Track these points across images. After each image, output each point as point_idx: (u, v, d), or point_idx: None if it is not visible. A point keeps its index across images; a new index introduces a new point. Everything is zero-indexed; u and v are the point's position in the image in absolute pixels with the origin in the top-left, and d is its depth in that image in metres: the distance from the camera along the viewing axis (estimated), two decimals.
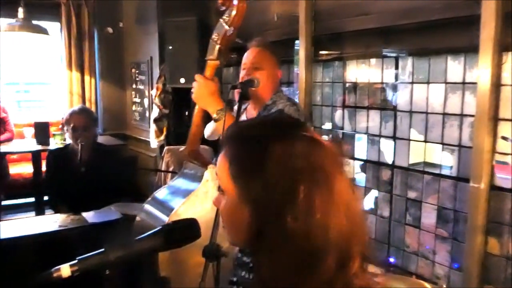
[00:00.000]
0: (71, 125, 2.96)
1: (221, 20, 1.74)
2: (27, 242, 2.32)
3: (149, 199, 2.07)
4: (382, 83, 2.93)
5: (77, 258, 0.73)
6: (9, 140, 4.59)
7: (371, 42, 2.98)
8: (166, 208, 1.88)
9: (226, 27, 1.71)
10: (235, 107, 1.83)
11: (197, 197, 1.78)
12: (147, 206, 1.97)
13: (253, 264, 0.72)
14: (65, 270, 0.73)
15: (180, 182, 2.04)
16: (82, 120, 2.98)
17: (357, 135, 3.12)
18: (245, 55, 2.01)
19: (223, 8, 1.72)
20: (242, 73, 1.98)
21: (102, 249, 0.74)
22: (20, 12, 4.15)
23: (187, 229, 0.79)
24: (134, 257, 0.75)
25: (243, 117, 2.00)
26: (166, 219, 1.78)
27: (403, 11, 2.61)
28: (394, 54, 2.85)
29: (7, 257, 2.20)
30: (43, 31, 4.32)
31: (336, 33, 3.16)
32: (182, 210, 1.75)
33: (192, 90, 1.83)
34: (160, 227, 0.78)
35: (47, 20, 5.06)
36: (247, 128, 0.79)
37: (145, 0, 4.87)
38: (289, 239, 0.68)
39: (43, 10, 5.07)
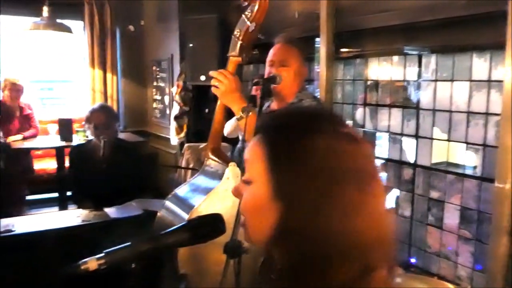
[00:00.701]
0: (92, 123, 3.00)
1: (243, 16, 1.72)
2: (51, 236, 2.37)
3: (170, 195, 2.07)
4: (404, 81, 2.89)
5: (104, 251, 0.74)
6: (34, 136, 4.68)
7: (393, 39, 2.94)
8: (186, 205, 1.88)
9: (248, 23, 1.69)
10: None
11: (217, 195, 1.77)
12: (168, 203, 1.98)
13: (274, 262, 0.69)
14: (92, 263, 0.74)
15: (200, 180, 2.04)
16: (102, 118, 3.01)
17: (378, 134, 3.08)
18: (271, 51, 1.97)
19: (246, 4, 1.71)
20: (267, 70, 1.95)
21: (129, 243, 0.75)
22: (45, 11, 4.23)
23: (212, 224, 0.79)
24: (160, 251, 0.76)
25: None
26: (186, 216, 1.78)
27: (426, 7, 2.57)
28: (416, 52, 2.81)
29: (32, 250, 2.26)
30: (67, 29, 4.39)
31: (358, 30, 3.13)
32: (203, 208, 1.74)
33: (216, 85, 1.77)
34: (186, 222, 0.78)
35: (70, 19, 5.14)
36: (289, 118, 0.75)
37: None
38: (322, 240, 0.65)
39: (67, 9, 5.16)
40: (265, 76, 1.90)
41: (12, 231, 2.31)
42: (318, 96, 3.24)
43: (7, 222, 2.44)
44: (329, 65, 3.27)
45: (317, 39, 3.36)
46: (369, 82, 3.15)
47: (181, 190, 2.06)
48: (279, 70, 1.89)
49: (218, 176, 1.85)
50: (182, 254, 1.70)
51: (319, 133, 0.68)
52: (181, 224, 0.78)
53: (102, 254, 0.74)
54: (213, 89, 1.80)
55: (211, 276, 1.65)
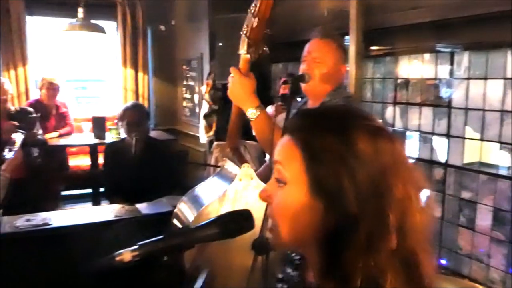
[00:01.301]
0: (125, 121, 3.07)
1: (248, 10, 1.63)
2: (85, 229, 2.46)
3: (188, 192, 2.07)
4: (435, 79, 2.84)
5: (138, 244, 0.77)
6: (68, 133, 4.82)
7: (425, 36, 2.89)
8: (198, 204, 1.87)
9: (252, 18, 1.60)
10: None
11: (226, 197, 1.73)
12: (184, 199, 1.98)
13: (321, 261, 0.69)
14: (126, 254, 0.76)
15: (215, 179, 2.03)
16: (135, 116, 3.08)
17: (408, 133, 3.04)
18: (306, 46, 1.86)
19: None
20: (301, 65, 1.85)
21: (162, 236, 0.78)
22: (80, 12, 4.35)
23: (241, 220, 0.80)
24: (191, 244, 0.78)
25: None
26: (192, 218, 1.78)
27: (458, 4, 2.52)
28: (448, 49, 2.76)
29: (67, 243, 2.34)
30: (101, 30, 4.51)
31: (388, 28, 3.09)
32: (210, 209, 1.71)
33: (228, 85, 1.72)
34: (216, 217, 0.80)
35: (104, 19, 5.27)
36: (324, 117, 0.73)
37: None
38: (384, 239, 0.64)
39: (101, 10, 5.29)
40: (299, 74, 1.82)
41: (49, 224, 2.41)
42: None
43: (44, 215, 2.54)
44: (358, 63, 3.24)
45: (347, 37, 3.34)
46: (399, 81, 3.11)
47: (198, 188, 2.07)
48: (311, 67, 1.78)
49: (232, 177, 1.82)
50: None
51: (356, 130, 0.67)
52: (211, 219, 0.80)
53: (136, 247, 0.77)
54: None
55: (236, 273, 1.66)
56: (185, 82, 5.53)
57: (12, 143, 2.29)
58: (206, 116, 4.70)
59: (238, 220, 0.81)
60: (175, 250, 0.78)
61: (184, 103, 5.61)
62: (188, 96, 5.49)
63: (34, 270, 2.23)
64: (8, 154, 2.21)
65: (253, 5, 1.59)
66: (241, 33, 1.67)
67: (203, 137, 4.77)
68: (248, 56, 1.67)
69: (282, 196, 0.72)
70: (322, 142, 0.68)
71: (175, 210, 1.99)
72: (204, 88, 4.65)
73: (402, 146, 0.72)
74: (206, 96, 4.61)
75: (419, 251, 0.68)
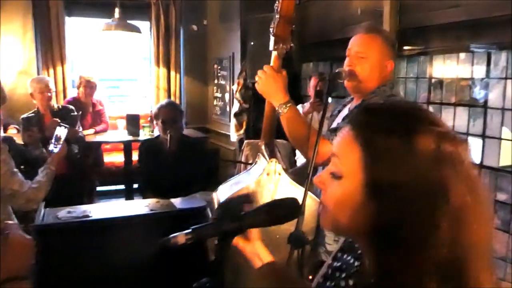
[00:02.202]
0: (160, 119, 3.15)
1: (274, 7, 1.68)
2: (122, 222, 2.54)
3: (222, 184, 2.12)
4: (471, 79, 2.81)
5: (192, 227, 0.81)
6: (104, 130, 4.96)
7: (460, 36, 2.86)
8: (222, 196, 1.89)
9: (276, 15, 1.65)
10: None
11: (248, 190, 1.76)
12: (218, 190, 2.03)
13: (374, 255, 0.70)
14: (181, 237, 0.81)
15: (246, 175, 2.06)
16: (170, 114, 3.16)
17: None
18: (351, 40, 1.80)
19: None
20: (345, 62, 1.80)
21: (213, 221, 0.82)
22: (117, 12, 4.48)
23: (289, 208, 0.84)
24: (241, 230, 0.82)
25: (345, 110, 1.90)
26: (216, 206, 1.83)
27: (495, 2, 2.48)
28: (484, 49, 2.72)
29: (105, 234, 2.43)
30: (136, 29, 4.63)
31: (422, 27, 3.07)
32: (230, 202, 1.74)
33: (257, 81, 1.75)
34: (265, 203, 0.84)
35: (138, 19, 5.39)
36: (390, 114, 0.72)
37: None
38: (436, 241, 0.64)
39: (136, 10, 5.43)
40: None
41: (89, 216, 2.50)
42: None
43: (84, 208, 2.64)
44: None
45: None
46: (433, 80, 3.08)
47: (231, 181, 2.11)
48: (354, 63, 1.73)
49: (261, 171, 1.84)
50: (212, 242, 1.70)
51: (421, 134, 0.67)
52: (260, 206, 0.84)
53: (190, 230, 0.81)
54: (256, 85, 1.77)
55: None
56: (216, 81, 5.60)
57: (57, 138, 2.40)
58: (236, 115, 4.76)
59: (286, 207, 0.84)
60: (226, 234, 0.82)
61: (215, 102, 5.69)
62: (219, 95, 5.56)
63: (73, 258, 2.33)
64: (54, 149, 2.32)
65: (277, 3, 1.65)
66: (269, 30, 1.73)
67: (234, 136, 4.83)
68: (276, 52, 1.72)
69: (336, 187, 0.73)
70: (384, 142, 0.67)
71: (209, 201, 2.05)
72: (235, 87, 4.71)
73: (467, 153, 0.69)
74: (237, 95, 4.67)
75: (471, 264, 0.66)
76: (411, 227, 0.65)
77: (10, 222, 0.98)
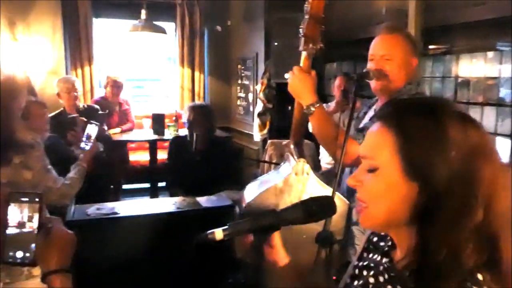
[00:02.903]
0: (190, 118, 3.21)
1: (304, 8, 1.68)
2: (150, 219, 2.60)
3: (251, 182, 2.14)
4: (498, 78, 2.77)
5: (228, 223, 0.84)
6: (130, 129, 5.05)
7: (487, 34, 2.83)
8: (250, 195, 1.90)
9: (306, 15, 1.66)
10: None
11: (276, 189, 1.78)
12: (247, 188, 2.05)
13: (414, 239, 0.74)
14: (218, 233, 0.84)
15: (274, 173, 2.08)
16: (198, 114, 3.21)
17: None
18: (373, 42, 1.81)
19: None
20: (369, 63, 1.80)
21: (250, 217, 0.85)
22: (143, 13, 4.56)
23: (324, 204, 0.86)
24: (277, 226, 0.85)
25: (372, 110, 1.91)
26: (244, 204, 1.84)
27: None
28: (509, 48, 2.68)
29: (133, 231, 2.49)
30: (162, 30, 4.70)
31: (448, 25, 3.04)
32: (260, 200, 1.76)
33: (288, 81, 1.77)
34: (301, 201, 0.86)
35: (163, 20, 5.47)
36: (417, 102, 0.80)
37: None
38: (469, 217, 0.70)
39: (161, 11, 5.51)
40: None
41: (117, 213, 2.57)
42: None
43: (112, 205, 2.71)
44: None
45: None
46: (460, 80, 3.05)
47: (260, 179, 2.14)
48: (380, 64, 1.73)
49: (290, 170, 1.85)
50: (239, 241, 1.72)
51: (447, 116, 0.73)
52: (296, 203, 0.86)
53: (227, 226, 0.84)
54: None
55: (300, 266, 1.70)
56: (239, 81, 5.64)
57: (88, 136, 2.47)
58: (260, 115, 4.78)
59: (322, 205, 0.86)
60: (262, 231, 0.85)
61: (238, 102, 5.72)
62: (242, 95, 5.59)
63: (102, 253, 2.39)
64: (86, 146, 2.39)
65: (306, 3, 1.66)
66: (299, 30, 1.73)
67: (257, 135, 4.86)
68: (305, 53, 1.73)
69: (375, 179, 0.77)
70: (415, 124, 0.73)
71: (237, 199, 2.08)
72: (259, 87, 4.73)
73: (487, 133, 0.76)
74: (261, 95, 4.69)
75: (502, 234, 0.71)
76: (449, 203, 0.70)
77: (52, 216, 1.02)
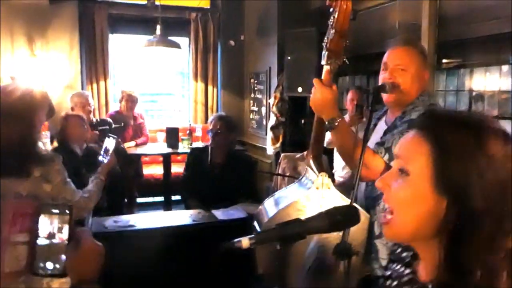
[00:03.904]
0: (209, 130, 3.25)
1: (328, 23, 1.67)
2: (166, 231, 2.63)
3: (269, 196, 2.14)
4: None
5: (255, 232, 0.86)
6: (144, 143, 5.11)
7: (502, 48, 2.83)
8: (272, 209, 1.90)
9: (331, 30, 1.64)
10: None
11: (298, 204, 1.78)
12: (265, 203, 2.05)
13: (439, 255, 0.71)
14: (245, 241, 0.85)
15: (294, 187, 2.08)
16: (215, 126, 3.24)
17: None
18: (387, 55, 1.81)
19: (331, 9, 1.63)
20: (382, 75, 1.80)
21: (276, 226, 0.86)
22: (158, 29, 4.64)
23: (348, 214, 0.87)
24: (302, 235, 0.86)
25: (382, 121, 1.92)
26: (266, 220, 1.81)
27: None
28: None
29: (149, 243, 2.51)
30: (176, 45, 4.77)
31: (462, 39, 3.05)
32: (283, 214, 1.74)
33: (310, 96, 1.74)
34: (325, 210, 0.87)
35: (177, 35, 5.56)
36: (457, 115, 0.76)
37: (266, 13, 5.13)
38: (506, 239, 0.68)
39: (175, 26, 5.61)
40: (380, 82, 1.79)
41: (134, 226, 2.59)
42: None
43: (128, 218, 2.74)
44: (430, 76, 3.19)
45: None
46: (474, 93, 3.05)
47: (278, 195, 2.14)
48: (394, 76, 1.74)
49: (311, 185, 1.85)
50: (260, 254, 1.71)
51: (488, 133, 0.71)
52: (320, 212, 0.87)
53: (253, 235, 0.85)
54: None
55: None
56: (252, 95, 5.68)
57: (106, 150, 2.51)
58: (273, 128, 4.81)
59: (346, 214, 0.87)
60: (287, 239, 0.86)
61: (251, 116, 5.76)
62: (255, 108, 5.63)
63: (119, 266, 2.41)
64: (104, 159, 2.43)
65: (332, 17, 1.64)
66: (323, 44, 1.72)
67: (270, 149, 4.88)
68: (329, 67, 1.71)
69: (404, 186, 0.75)
70: (454, 137, 0.71)
71: (256, 213, 2.08)
72: (272, 101, 4.77)
73: None
74: (274, 109, 4.72)
75: None
76: (486, 223, 0.68)
77: (82, 228, 1.04)
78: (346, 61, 1.73)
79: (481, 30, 2.86)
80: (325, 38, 1.70)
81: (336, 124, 1.66)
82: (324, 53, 1.71)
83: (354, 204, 1.56)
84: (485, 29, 2.82)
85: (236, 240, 0.86)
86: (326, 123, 1.70)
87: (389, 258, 0.92)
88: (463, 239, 0.69)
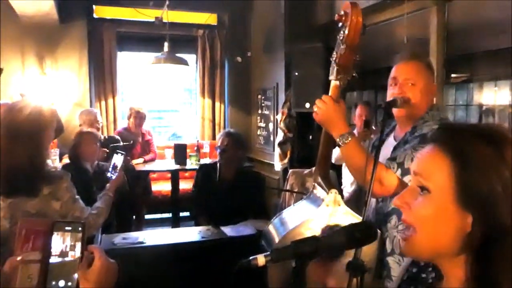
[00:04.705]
0: (217, 146, 3.25)
1: (337, 37, 1.65)
2: (175, 248, 2.61)
3: (277, 215, 2.12)
4: None
5: (270, 250, 0.84)
6: (152, 160, 5.11)
7: (510, 62, 2.82)
8: (282, 228, 1.90)
9: (341, 45, 1.62)
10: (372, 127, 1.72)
11: (311, 222, 1.73)
12: (274, 222, 2.03)
13: (464, 272, 0.71)
14: (261, 259, 0.84)
15: (303, 204, 2.05)
16: (223, 142, 3.24)
17: None
18: (395, 69, 1.79)
19: (340, 24, 1.63)
20: (391, 91, 1.78)
21: (292, 243, 0.85)
22: (166, 46, 4.68)
23: (366, 230, 0.86)
24: (319, 252, 0.84)
25: (391, 137, 1.89)
26: (277, 240, 1.79)
27: None
28: None
29: (159, 260, 2.48)
30: (184, 62, 4.80)
31: (470, 54, 3.04)
32: (295, 233, 1.70)
33: (316, 111, 1.71)
34: (341, 227, 0.86)
35: (185, 52, 5.61)
36: (474, 127, 0.74)
37: (273, 29, 5.16)
38: None
39: (183, 43, 5.68)
40: (389, 97, 1.76)
41: (143, 242, 2.58)
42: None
43: (137, 235, 2.72)
44: (439, 90, 3.19)
45: None
46: (484, 107, 3.03)
47: (286, 213, 2.12)
48: (404, 90, 1.71)
49: (320, 202, 1.81)
50: (272, 272, 1.68)
51: (508, 144, 0.69)
52: (337, 229, 0.86)
53: (269, 252, 0.84)
54: (314, 115, 1.74)
55: None
56: (260, 111, 5.69)
57: (114, 166, 2.51)
58: (281, 144, 4.79)
59: (363, 230, 0.86)
60: (303, 257, 0.84)
61: (259, 132, 5.76)
62: (262, 124, 5.63)
63: (129, 283, 2.39)
64: (112, 176, 2.42)
65: (341, 32, 1.63)
66: (331, 59, 1.70)
67: (278, 165, 4.86)
68: (338, 82, 1.70)
69: (425, 203, 0.73)
70: (475, 149, 0.69)
71: (264, 232, 2.05)
72: (279, 117, 4.77)
73: None
74: (282, 125, 4.71)
75: None
76: (510, 234, 0.66)
77: (94, 245, 1.03)
78: (356, 75, 1.72)
79: (489, 44, 2.86)
80: (334, 53, 1.69)
81: (348, 141, 1.64)
82: (333, 68, 1.69)
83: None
84: (493, 43, 2.82)
85: (251, 258, 0.84)
86: (338, 139, 1.66)
87: (403, 279, 0.88)
88: (491, 255, 0.67)
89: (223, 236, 2.72)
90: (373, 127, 3.73)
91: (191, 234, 2.78)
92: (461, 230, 0.69)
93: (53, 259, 0.94)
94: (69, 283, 0.93)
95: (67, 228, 0.95)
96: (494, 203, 0.67)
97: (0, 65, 4.57)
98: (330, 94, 1.73)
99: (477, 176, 0.68)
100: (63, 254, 0.95)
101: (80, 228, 0.96)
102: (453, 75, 3.24)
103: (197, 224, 3.19)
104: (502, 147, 0.69)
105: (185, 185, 4.96)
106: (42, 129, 1.88)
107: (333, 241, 0.85)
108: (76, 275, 0.93)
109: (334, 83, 1.72)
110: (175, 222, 4.86)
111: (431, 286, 0.83)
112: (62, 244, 0.95)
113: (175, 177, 4.89)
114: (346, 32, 1.60)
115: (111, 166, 2.57)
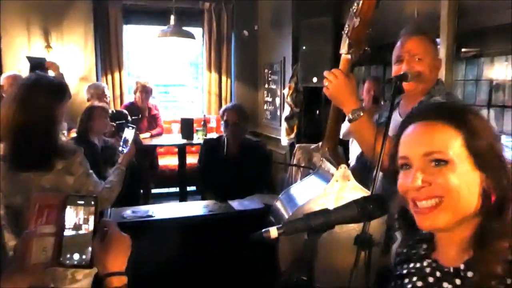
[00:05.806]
0: (224, 120, 3.24)
1: (351, 11, 1.60)
2: (183, 222, 2.64)
3: (285, 190, 2.13)
4: None
5: (283, 222, 0.85)
6: (159, 134, 5.12)
7: None
8: (292, 204, 1.91)
9: (354, 18, 1.57)
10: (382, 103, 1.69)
11: (321, 197, 1.76)
12: (281, 198, 2.05)
13: (475, 232, 0.82)
14: (273, 231, 0.85)
15: (312, 180, 2.05)
16: (231, 116, 3.23)
17: (504, 137, 2.92)
18: (400, 44, 1.76)
19: None
20: (396, 66, 1.76)
21: (304, 216, 0.86)
22: (172, 19, 4.63)
23: (378, 203, 0.86)
24: (331, 225, 0.85)
25: (396, 114, 1.84)
26: (286, 216, 1.82)
27: None
28: None
29: (167, 233, 2.52)
30: (190, 36, 4.76)
31: (481, 28, 2.99)
32: (304, 210, 1.70)
33: (326, 85, 1.67)
34: (354, 200, 0.87)
35: (191, 26, 5.53)
36: (467, 105, 0.92)
37: (280, 3, 5.08)
38: None
39: (189, 17, 5.59)
40: (394, 73, 1.74)
41: (152, 216, 2.61)
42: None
43: (146, 208, 2.76)
44: (449, 66, 3.16)
45: (437, 40, 3.27)
46: (494, 83, 2.99)
47: (294, 188, 2.13)
48: (412, 65, 1.70)
49: (329, 177, 1.83)
50: (283, 251, 1.72)
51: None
52: (350, 202, 0.86)
53: (281, 225, 0.85)
54: (324, 89, 1.70)
55: (339, 269, 1.69)
56: (266, 86, 5.66)
57: (125, 140, 2.51)
58: (287, 119, 4.78)
59: (375, 203, 0.86)
60: (316, 230, 0.85)
61: (265, 106, 5.74)
62: (269, 99, 5.61)
63: (138, 255, 2.43)
64: (124, 149, 2.43)
65: (355, 4, 1.58)
66: (343, 33, 1.66)
67: (284, 140, 4.86)
68: (349, 56, 1.67)
69: (449, 173, 0.81)
70: (478, 122, 0.84)
71: (272, 208, 2.07)
72: (286, 91, 4.74)
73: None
74: (288, 99, 4.69)
75: None
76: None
77: (108, 219, 1.04)
78: (369, 50, 1.69)
79: (501, 19, 2.80)
80: (346, 26, 1.65)
81: (360, 116, 1.62)
82: (345, 42, 1.66)
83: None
84: (505, 18, 2.76)
85: (263, 230, 0.85)
86: (349, 115, 1.64)
87: (397, 252, 0.93)
88: (496, 212, 0.80)
89: (230, 210, 2.74)
90: (382, 103, 3.70)
91: (199, 208, 2.81)
92: (480, 188, 0.81)
93: (67, 232, 0.96)
94: (84, 256, 0.95)
95: (79, 202, 0.96)
96: (502, 166, 0.82)
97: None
98: (340, 68, 1.69)
99: (485, 143, 0.82)
100: (76, 227, 0.96)
101: (92, 202, 0.97)
102: (463, 50, 3.19)
103: (203, 199, 3.21)
104: (481, 116, 0.86)
105: (192, 159, 4.98)
106: (56, 103, 1.87)
107: (346, 214, 0.85)
108: (90, 248, 0.95)
109: (345, 57, 1.69)
110: (182, 196, 4.91)
111: (424, 257, 0.90)
112: (75, 218, 0.96)
113: (182, 151, 4.91)
114: (360, 4, 1.56)
115: (122, 140, 2.58)
